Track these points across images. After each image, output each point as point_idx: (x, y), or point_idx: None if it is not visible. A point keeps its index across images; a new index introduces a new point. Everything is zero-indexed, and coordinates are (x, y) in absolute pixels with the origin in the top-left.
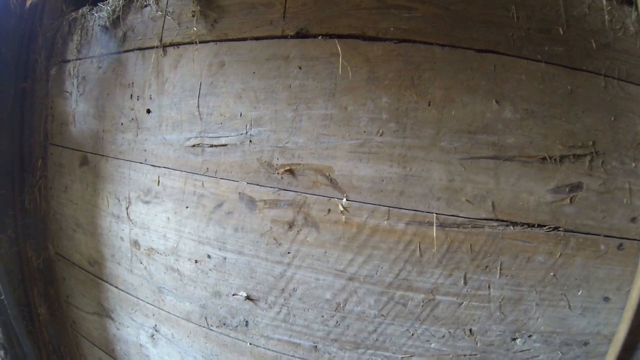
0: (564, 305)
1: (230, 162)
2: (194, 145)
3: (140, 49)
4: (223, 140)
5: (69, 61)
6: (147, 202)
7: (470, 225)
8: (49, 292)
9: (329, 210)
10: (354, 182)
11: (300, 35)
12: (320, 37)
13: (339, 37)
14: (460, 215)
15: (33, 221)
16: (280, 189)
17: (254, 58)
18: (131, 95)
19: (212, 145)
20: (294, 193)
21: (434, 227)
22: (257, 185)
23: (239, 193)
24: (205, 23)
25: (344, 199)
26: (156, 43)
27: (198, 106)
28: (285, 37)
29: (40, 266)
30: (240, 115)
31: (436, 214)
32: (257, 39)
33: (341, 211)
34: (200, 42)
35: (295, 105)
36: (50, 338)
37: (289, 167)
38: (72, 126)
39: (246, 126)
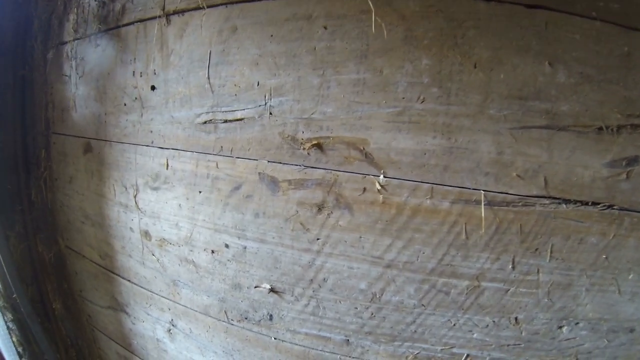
0: (613, 290)
1: (248, 139)
2: (205, 122)
3: (141, 20)
4: (238, 114)
5: (66, 43)
6: (156, 189)
7: (520, 204)
8: (63, 287)
9: (364, 189)
10: (393, 156)
11: None
12: None
13: None
14: (510, 193)
15: (41, 214)
16: (307, 167)
17: (271, 19)
18: (133, 72)
19: (226, 121)
20: (323, 171)
21: (482, 206)
22: (280, 163)
23: (259, 173)
24: None
25: (381, 176)
26: (158, 12)
27: (208, 77)
28: None
29: (52, 261)
30: (258, 84)
31: (484, 191)
32: None
33: (378, 190)
34: (208, 7)
35: (322, 70)
36: (67, 332)
37: (316, 141)
38: (73, 112)
39: (265, 96)
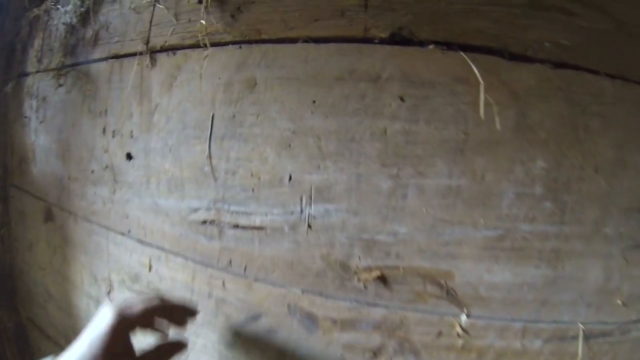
0: None
1: (272, 257)
2: (205, 222)
3: (116, 56)
4: (257, 221)
5: (29, 74)
6: (136, 293)
7: (617, 332)
8: (25, 358)
9: (440, 332)
10: (482, 292)
11: (399, 39)
12: (432, 46)
13: (465, 48)
14: (609, 322)
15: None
16: (362, 304)
17: (314, 75)
18: (104, 129)
19: (236, 226)
20: (385, 310)
21: (580, 342)
22: (321, 296)
23: (289, 306)
24: (221, 12)
25: (464, 316)
26: (140, 47)
27: (210, 157)
28: (370, 40)
29: (12, 329)
30: (290, 179)
31: (582, 324)
32: (317, 40)
33: (458, 333)
34: (212, 45)
35: (396, 168)
36: None
37: (379, 272)
38: (32, 165)
39: (302, 200)
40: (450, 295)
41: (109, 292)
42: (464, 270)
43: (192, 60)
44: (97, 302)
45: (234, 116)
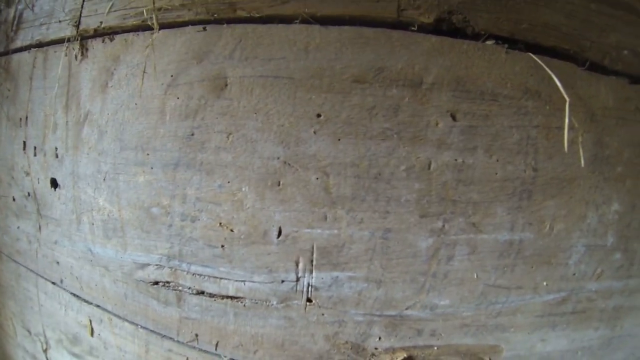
0: None
1: (254, 334)
2: (157, 283)
3: (40, 45)
4: (230, 288)
5: None
6: (77, 357)
7: None
8: None
9: None
10: None
11: (447, 28)
12: (492, 42)
13: (533, 48)
14: None
15: None
16: None
17: (320, 73)
18: (24, 143)
19: (201, 293)
20: None
21: None
22: None
23: None
24: None
25: None
26: (69, 31)
27: (158, 193)
28: (406, 25)
29: None
30: (280, 233)
31: None
32: (325, 20)
33: None
34: (164, 26)
35: (441, 220)
36: None
37: (406, 354)
38: None
39: (297, 263)
40: None
41: (45, 350)
42: (515, 342)
43: (135, 49)
44: (34, 358)
45: (193, 134)
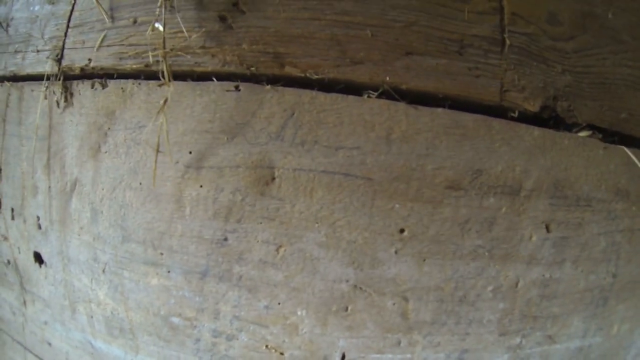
0: None
1: None
2: None
3: (14, 78)
4: None
5: None
6: None
7: None
8: None
9: None
10: None
11: (547, 116)
12: (587, 133)
13: (627, 141)
14: None
15: None
16: None
17: (407, 174)
18: (0, 200)
19: None
20: None
21: None
22: None
23: None
24: (200, 11)
25: None
26: (49, 66)
27: (179, 303)
28: (505, 111)
29: None
30: (343, 358)
31: None
32: (411, 95)
33: None
34: (178, 75)
35: (520, 337)
36: None
37: None
38: None
39: None
40: None
41: None
42: None
43: (136, 105)
44: None
45: (226, 239)
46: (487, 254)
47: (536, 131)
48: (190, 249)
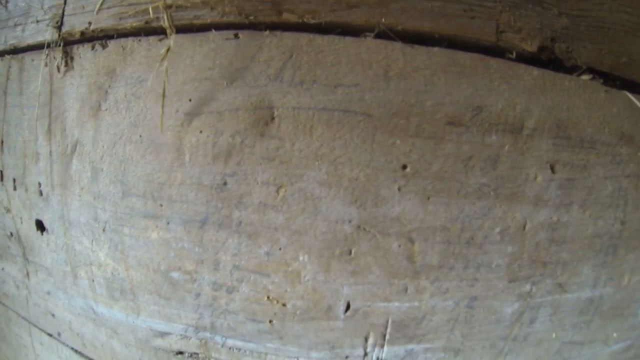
0: None
1: None
2: (181, 353)
3: (14, 51)
4: None
5: None
6: None
7: None
8: None
9: None
10: None
11: (546, 58)
12: (588, 77)
13: (628, 85)
14: None
15: None
16: None
17: (407, 110)
18: (1, 172)
19: None
20: None
21: None
22: None
23: None
24: None
25: None
26: (49, 34)
27: (178, 256)
28: (503, 51)
29: None
30: (348, 308)
31: None
32: (408, 36)
33: None
34: (180, 29)
35: (530, 284)
36: None
37: None
38: None
39: (366, 339)
40: None
41: None
42: None
43: (136, 60)
44: None
45: (225, 183)
46: (492, 193)
47: (535, 71)
48: (190, 196)
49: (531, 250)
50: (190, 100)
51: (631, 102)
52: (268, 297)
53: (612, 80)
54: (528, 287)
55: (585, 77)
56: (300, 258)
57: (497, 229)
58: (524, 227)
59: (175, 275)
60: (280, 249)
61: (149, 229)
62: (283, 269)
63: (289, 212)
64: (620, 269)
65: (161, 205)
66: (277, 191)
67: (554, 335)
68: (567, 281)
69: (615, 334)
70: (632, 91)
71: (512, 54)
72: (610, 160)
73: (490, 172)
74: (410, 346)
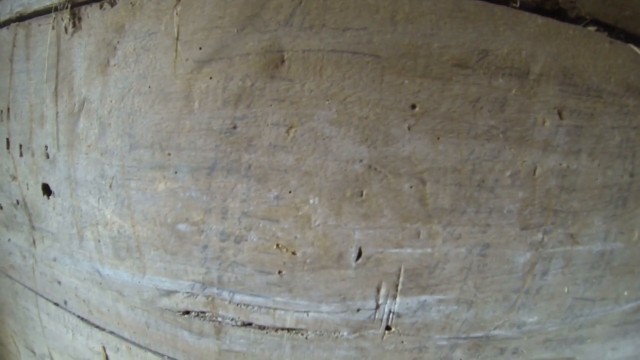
0: None
1: None
2: (188, 313)
3: (20, 18)
4: (288, 319)
5: None
6: None
7: None
8: None
9: None
10: None
11: (550, 8)
12: (593, 28)
13: (632, 39)
14: None
15: None
16: None
17: (414, 51)
18: (7, 140)
19: (248, 324)
20: None
21: None
22: None
23: None
24: None
25: None
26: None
27: (186, 206)
28: (508, 2)
29: None
30: (360, 255)
31: None
32: None
33: None
34: None
35: (541, 232)
36: None
37: None
38: None
39: (378, 289)
40: None
41: None
42: (588, 353)
43: (145, 15)
44: None
45: (235, 127)
46: (501, 135)
47: (539, 19)
48: (199, 143)
49: (542, 197)
50: (200, 48)
51: (636, 54)
52: (277, 246)
53: (617, 33)
54: (540, 235)
55: (590, 28)
56: (311, 201)
57: (508, 173)
58: (534, 172)
59: (182, 227)
60: (290, 192)
61: (156, 180)
62: (293, 214)
63: (299, 152)
64: (630, 224)
65: (169, 154)
66: (287, 132)
67: (566, 290)
68: (578, 232)
69: (626, 292)
70: (637, 45)
71: (515, 2)
72: (617, 111)
73: (499, 114)
74: (423, 297)
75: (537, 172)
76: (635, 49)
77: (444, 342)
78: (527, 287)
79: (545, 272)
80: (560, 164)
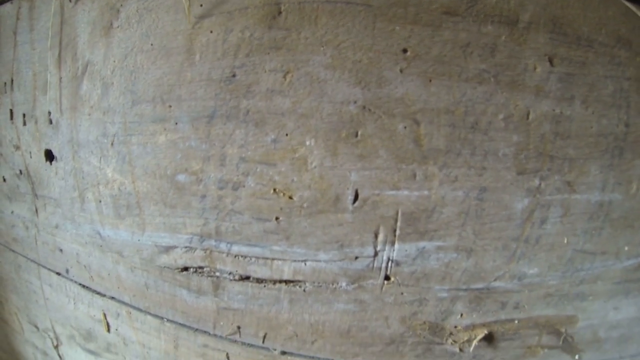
0: None
1: (311, 323)
2: (186, 269)
3: None
4: (286, 270)
5: None
6: (93, 354)
7: None
8: None
9: None
10: (601, 333)
11: None
12: None
13: None
14: None
15: None
16: None
17: (403, 0)
18: (11, 111)
19: (245, 278)
20: None
21: None
22: None
23: None
24: None
25: None
26: None
27: (185, 156)
28: None
29: None
30: (356, 197)
31: None
32: None
33: None
34: None
35: (538, 178)
36: None
37: (486, 330)
38: None
39: (376, 234)
40: (567, 343)
41: (56, 347)
42: (590, 311)
43: None
44: (45, 355)
45: (234, 75)
46: (492, 79)
47: None
48: (199, 93)
49: (537, 142)
50: (201, 5)
51: (627, 8)
52: (274, 190)
53: None
54: (537, 181)
55: None
56: (307, 142)
57: (501, 116)
58: (527, 116)
59: (181, 177)
60: (286, 134)
61: (157, 133)
62: (290, 156)
63: (295, 95)
64: (628, 175)
65: (170, 106)
66: (284, 77)
67: (565, 241)
68: (575, 180)
69: (627, 248)
70: None
71: None
72: (609, 61)
73: (489, 59)
74: (421, 244)
75: (531, 116)
76: (626, 2)
77: (444, 294)
78: (526, 236)
79: (544, 220)
80: (554, 110)
